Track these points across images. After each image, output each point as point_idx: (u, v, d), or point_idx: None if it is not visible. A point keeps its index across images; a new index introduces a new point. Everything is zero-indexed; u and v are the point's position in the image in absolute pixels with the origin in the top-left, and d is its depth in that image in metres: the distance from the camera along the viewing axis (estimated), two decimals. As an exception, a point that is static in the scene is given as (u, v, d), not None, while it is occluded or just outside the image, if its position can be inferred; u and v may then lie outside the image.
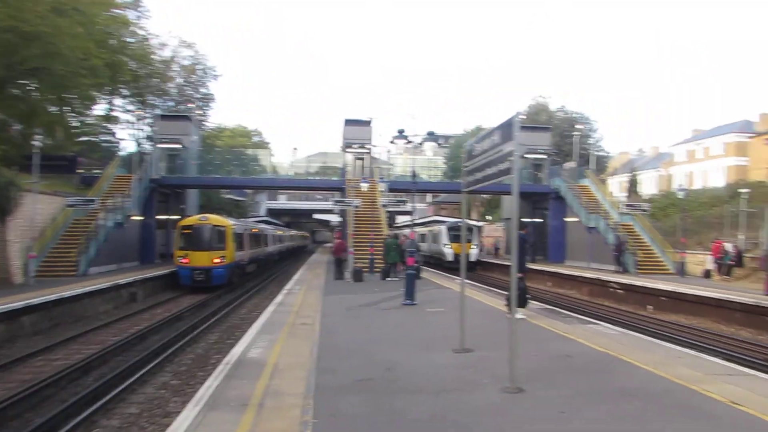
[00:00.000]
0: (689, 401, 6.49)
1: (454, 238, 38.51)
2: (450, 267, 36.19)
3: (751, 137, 57.32)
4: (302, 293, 18.22)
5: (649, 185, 69.85)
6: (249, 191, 66.82)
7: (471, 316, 12.05)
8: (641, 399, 6.52)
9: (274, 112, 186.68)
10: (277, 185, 48.98)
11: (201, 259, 24.57)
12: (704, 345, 13.92)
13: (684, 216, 28.46)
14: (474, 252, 39.06)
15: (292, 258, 58.51)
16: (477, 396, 6.65)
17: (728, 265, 24.56)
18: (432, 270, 30.85)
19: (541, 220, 39.79)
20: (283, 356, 8.75)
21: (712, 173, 61.88)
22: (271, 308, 14.60)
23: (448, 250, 39.27)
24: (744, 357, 12.54)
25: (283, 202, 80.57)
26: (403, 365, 8.19)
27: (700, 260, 26.98)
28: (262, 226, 42.42)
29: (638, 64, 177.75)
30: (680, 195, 29.94)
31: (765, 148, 52.45)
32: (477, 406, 6.21)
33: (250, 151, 44.52)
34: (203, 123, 47.05)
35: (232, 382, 7.19)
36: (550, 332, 11.18)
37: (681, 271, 26.00)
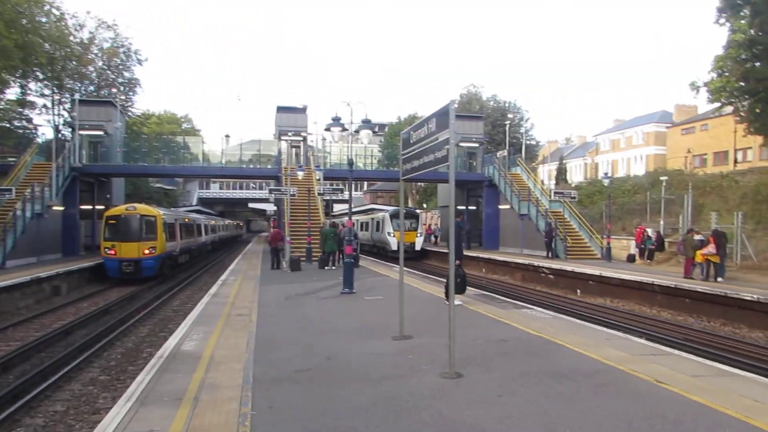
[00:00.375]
0: (618, 381, 6.78)
1: (398, 225, 36.69)
2: (394, 256, 34.89)
3: (668, 127, 60.58)
4: (238, 284, 17.82)
5: (576, 173, 72.75)
6: (179, 180, 64.66)
7: (410, 303, 12.16)
8: (573, 380, 6.76)
9: (205, 99, 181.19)
10: (208, 174, 47.57)
11: (129, 250, 23.57)
12: (629, 326, 14.62)
13: (609, 203, 29.75)
14: (419, 240, 38.00)
15: (226, 248, 57.22)
16: (416, 382, 6.69)
17: (650, 250, 25.89)
18: (374, 259, 30.93)
19: (475, 208, 40.62)
20: (219, 348, 8.52)
21: (634, 161, 65.08)
22: (205, 299, 14.21)
23: (392, 239, 37.19)
24: (666, 337, 13.26)
25: (215, 191, 78.53)
26: (343, 354, 8.14)
27: (625, 245, 28.33)
28: (194, 215, 41.15)
29: (565, 55, 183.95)
30: (605, 182, 31.22)
31: (681, 138, 55.63)
32: (416, 392, 6.25)
33: (179, 139, 42.70)
34: (128, 109, 44.92)
35: (165, 376, 6.93)
36: (487, 317, 11.41)
37: (607, 256, 27.22)
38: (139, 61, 45.47)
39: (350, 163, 16.79)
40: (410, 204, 62.88)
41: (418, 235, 37.60)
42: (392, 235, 36.91)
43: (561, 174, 58.80)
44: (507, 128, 47.13)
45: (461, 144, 39.45)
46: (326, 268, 22.55)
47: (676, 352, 8.84)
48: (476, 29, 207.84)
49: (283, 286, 16.93)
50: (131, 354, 12.17)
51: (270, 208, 68.20)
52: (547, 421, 5.36)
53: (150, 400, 6.00)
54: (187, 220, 33.59)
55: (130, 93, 46.30)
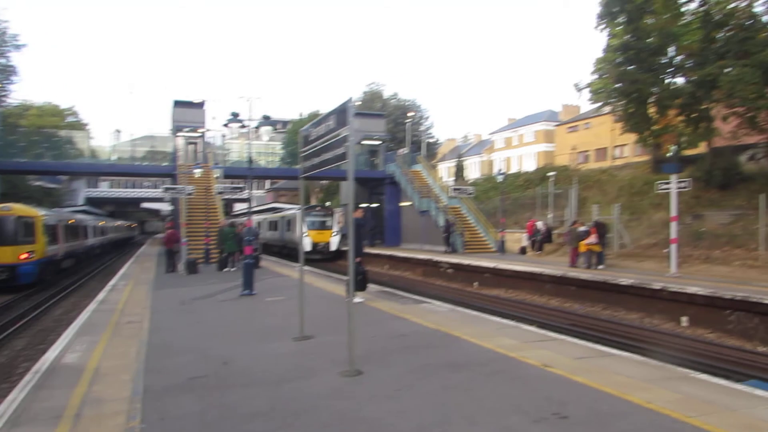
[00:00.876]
0: (509, 368, 7.11)
1: (313, 225, 35.21)
2: (309, 258, 32.46)
3: (556, 126, 64.40)
4: (129, 289, 16.86)
5: (473, 170, 75.47)
6: (63, 178, 60.09)
7: (311, 302, 12.07)
8: (469, 370, 7.01)
9: (93, 91, 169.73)
10: (96, 171, 44.46)
11: (3, 255, 21.57)
12: (522, 315, 15.40)
13: (503, 198, 31.17)
14: (335, 240, 35.72)
15: (117, 251, 53.95)
16: (316, 382, 6.65)
17: (540, 242, 27.42)
18: (282, 260, 30.33)
19: (377, 205, 41.10)
20: (106, 359, 8.00)
21: (526, 158, 68.57)
22: (92, 307, 13.29)
23: (306, 239, 34.47)
24: (554, 324, 14.09)
25: (105, 189, 73.79)
26: (241, 358, 7.93)
27: (517, 238, 29.80)
28: (81, 216, 38.40)
29: (462, 56, 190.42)
30: (499, 179, 32.72)
31: (567, 136, 59.29)
32: (316, 393, 6.22)
33: (63, 133, 39.72)
34: (3, 99, 41.09)
35: (42, 393, 6.41)
36: (387, 313, 11.57)
37: (501, 249, 28.52)
38: (17, 47, 41.64)
39: (250, 160, 16.41)
40: (313, 202, 62.46)
41: (334, 234, 35.41)
42: (306, 234, 34.32)
43: (459, 171, 60.86)
44: (408, 126, 48.05)
45: (363, 142, 39.75)
46: (225, 269, 21.87)
47: (562, 337, 9.40)
48: (378, 29, 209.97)
49: (179, 290, 16.23)
50: (4, 370, 11.15)
51: (165, 208, 65.09)
52: (444, 411, 5.52)
53: (23, 420, 5.53)
54: (71, 221, 31.29)
55: (6, 81, 42.31)
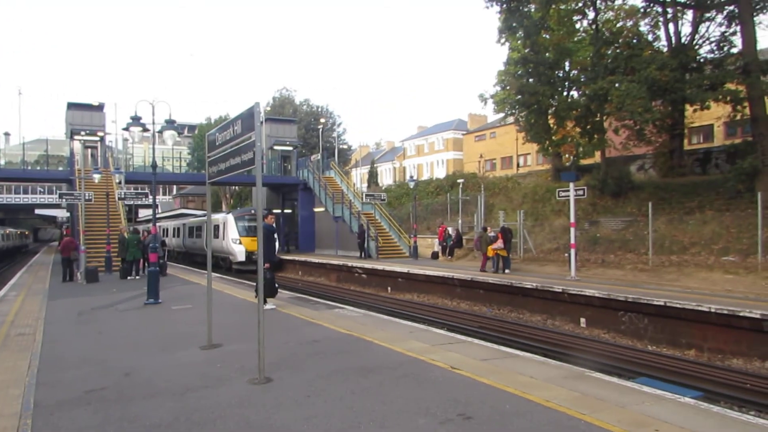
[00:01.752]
0: (418, 371, 7.25)
1: (248, 230, 30.17)
2: (241, 270, 28.93)
3: (464, 134, 66.61)
4: (20, 300, 15.65)
5: (387, 176, 76.51)
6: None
7: (221, 310, 11.79)
8: (379, 374, 7.09)
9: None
10: (-19, 176, 41.06)
11: None
12: (433, 319, 15.77)
13: (415, 204, 31.79)
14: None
15: (8, 260, 49.87)
16: (224, 391, 6.48)
17: (451, 247, 28.19)
18: (196, 270, 29.18)
19: (291, 211, 40.64)
20: (-9, 376, 7.39)
21: (436, 165, 70.38)
22: (-25, 322, 12.21)
23: (239, 248, 30.23)
24: (463, 326, 14.54)
25: (-8, 195, 67.99)
26: (144, 369, 7.59)
27: (430, 243, 30.48)
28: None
29: (374, 63, 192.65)
30: (411, 185, 33.36)
31: (475, 144, 61.47)
32: (224, 402, 6.06)
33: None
34: None
35: None
36: (299, 319, 11.47)
37: (414, 254, 29.05)
38: None
39: (154, 165, 15.70)
40: (224, 208, 60.78)
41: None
42: (238, 242, 29.81)
43: (372, 177, 61.42)
44: (320, 132, 47.97)
45: (275, 147, 39.28)
46: (129, 278, 20.84)
47: (470, 339, 9.72)
48: (291, 34, 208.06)
49: (77, 300, 15.27)
50: None
51: (62, 214, 61.00)
52: (353, 416, 5.55)
53: None
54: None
55: None
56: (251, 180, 30.59)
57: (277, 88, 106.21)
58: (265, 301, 12.25)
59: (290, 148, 39.96)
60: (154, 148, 15.08)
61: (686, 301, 12.61)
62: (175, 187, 75.68)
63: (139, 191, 26.90)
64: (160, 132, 13.61)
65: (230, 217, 31.26)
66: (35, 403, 6.08)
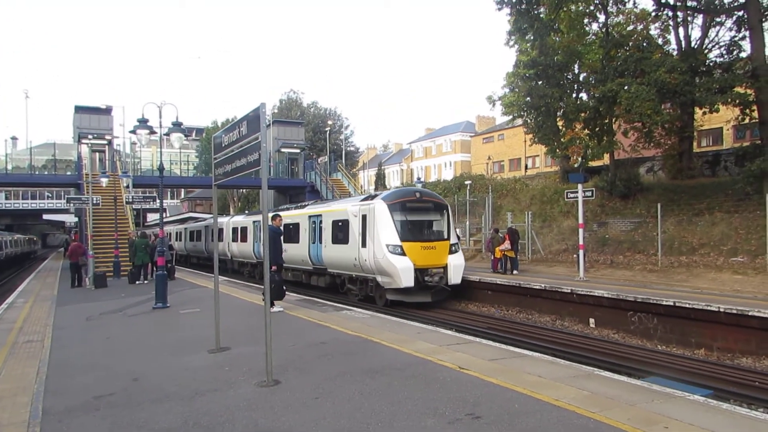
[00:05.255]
0: (426, 371, 7.24)
1: (411, 228, 17.20)
2: (401, 302, 16.97)
3: (472, 136, 66.56)
4: (28, 306, 15.75)
5: (394, 178, 76.53)
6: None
7: (229, 313, 11.82)
8: (387, 375, 7.08)
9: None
10: (-10, 182, 41.40)
11: None
12: (440, 320, 15.70)
13: (422, 206, 31.64)
14: (458, 262, 19.40)
15: (16, 267, 50.25)
16: (232, 394, 6.49)
17: (458, 249, 28.04)
18: (205, 273, 29.22)
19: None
20: (1, 382, 7.42)
21: (444, 167, 70.35)
22: (-16, 327, 12.30)
23: (401, 262, 17.29)
24: (471, 327, 14.47)
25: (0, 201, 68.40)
26: (152, 374, 7.61)
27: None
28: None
29: (382, 65, 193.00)
30: (419, 187, 33.33)
31: (483, 146, 61.41)
32: (232, 405, 6.06)
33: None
34: None
35: (-74, 422, 5.86)
36: (307, 322, 11.48)
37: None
38: None
39: (161, 168, 15.78)
40: (231, 211, 61.00)
41: (453, 249, 17.70)
42: (400, 251, 16.53)
43: (380, 179, 61.44)
44: (328, 134, 48.07)
45: (282, 150, 39.42)
46: (138, 282, 20.93)
47: (478, 339, 9.70)
48: (298, 37, 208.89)
49: (86, 305, 15.35)
50: None
51: (70, 219, 61.35)
52: (361, 417, 5.54)
53: None
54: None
55: None
56: (258, 183, 30.67)
57: (284, 90, 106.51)
58: (272, 304, 12.28)
59: (297, 151, 40.08)
60: (161, 151, 15.17)
61: (695, 302, 12.53)
62: (183, 190, 76.05)
63: (147, 195, 27.05)
64: (168, 135, 13.67)
65: (381, 205, 17.09)
66: (44, 411, 6.09)
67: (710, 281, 16.18)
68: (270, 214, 11.29)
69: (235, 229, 29.55)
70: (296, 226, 22.12)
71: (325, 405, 5.96)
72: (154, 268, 19.41)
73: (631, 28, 25.31)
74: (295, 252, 21.55)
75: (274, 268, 12.53)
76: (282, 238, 13.01)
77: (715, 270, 17.04)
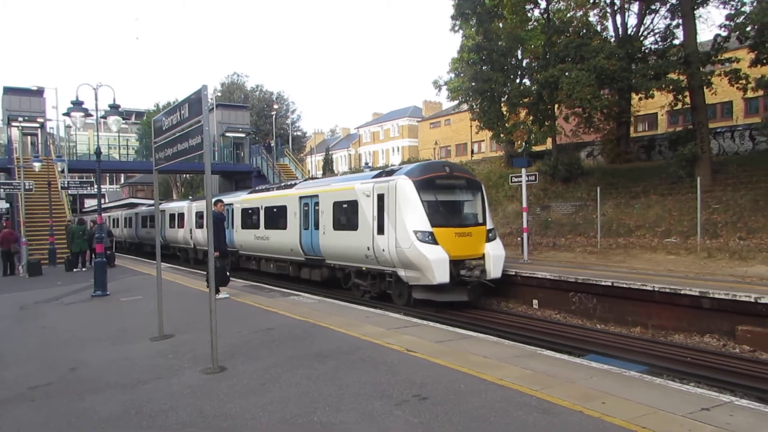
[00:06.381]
0: (374, 354, 7.28)
1: (444, 210, 14.64)
2: (434, 302, 14.26)
3: (419, 121, 66.88)
4: (-45, 296, 14.92)
5: (342, 163, 76.15)
6: None
7: (172, 301, 11.54)
8: (335, 359, 7.08)
9: None
10: None
11: None
12: (389, 304, 15.78)
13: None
14: (498, 252, 17.43)
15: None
16: (176, 382, 6.35)
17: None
18: (146, 260, 28.28)
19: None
20: (-75, 376, 7.02)
21: (392, 152, 70.50)
22: None
23: (434, 253, 13.76)
24: (418, 311, 14.60)
25: None
26: (92, 363, 7.36)
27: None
28: None
29: (328, 49, 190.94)
30: (367, 172, 33.28)
31: (430, 131, 61.80)
32: (176, 393, 5.94)
33: None
34: None
35: None
36: (254, 308, 11.34)
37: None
38: None
39: (98, 152, 15.12)
40: (174, 196, 59.36)
41: (490, 236, 14.85)
42: (430, 238, 13.50)
43: (328, 164, 61.11)
44: (274, 119, 47.28)
45: (227, 134, 38.55)
46: (75, 270, 20.14)
47: (425, 322, 9.82)
48: (241, 19, 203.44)
49: (19, 295, 14.67)
50: None
51: (1, 205, 58.27)
52: (308, 401, 5.53)
53: None
54: None
55: None
56: (201, 167, 29.88)
57: (227, 73, 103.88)
58: (218, 290, 12.07)
59: (243, 135, 39.29)
60: (98, 135, 14.57)
61: (632, 281, 13.06)
62: (123, 175, 73.36)
63: (84, 180, 25.94)
64: (104, 118, 13.13)
65: (405, 182, 13.98)
66: (-27, 403, 5.80)
67: (646, 262, 16.90)
68: (213, 200, 9.99)
69: (200, 214, 25.85)
70: (281, 209, 18.87)
71: (272, 390, 5.92)
72: (93, 255, 18.75)
73: (571, 14, 25.91)
74: (280, 240, 18.87)
75: (217, 254, 12.31)
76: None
77: (651, 251, 17.80)
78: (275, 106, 53.49)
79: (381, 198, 14.29)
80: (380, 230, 14.20)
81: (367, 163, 37.28)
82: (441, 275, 12.99)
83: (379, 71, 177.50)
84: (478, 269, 13.73)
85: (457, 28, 27.26)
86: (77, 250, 20.40)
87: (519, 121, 25.79)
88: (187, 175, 56.79)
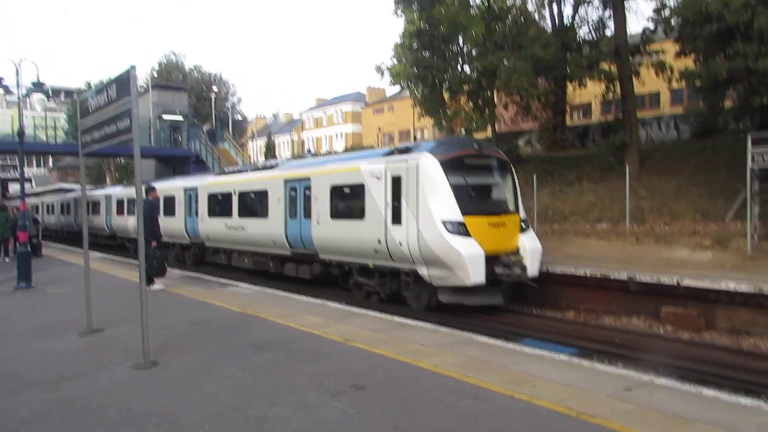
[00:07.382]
0: (312, 345, 7.25)
1: (474, 195, 12.30)
2: (462, 304, 12.05)
3: (363, 107, 66.70)
4: None
5: (285, 149, 75.15)
6: None
7: (103, 293, 11.09)
8: (272, 350, 7.00)
9: None
10: None
11: None
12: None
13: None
14: (535, 246, 16.16)
15: None
16: (105, 378, 6.12)
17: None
18: (75, 249, 26.96)
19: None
20: None
21: (335, 138, 70.05)
22: None
23: (467, 247, 11.31)
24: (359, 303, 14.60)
25: None
26: (12, 360, 7.00)
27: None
28: None
29: (272, 32, 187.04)
30: (309, 158, 32.99)
31: (373, 118, 61.79)
32: (104, 389, 5.72)
33: None
34: None
35: None
36: (190, 299, 11.06)
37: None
38: None
39: (21, 133, 14.26)
40: (108, 181, 57.00)
41: (524, 227, 12.81)
42: (463, 229, 11.17)
43: (270, 150, 60.11)
44: (213, 101, 46.00)
45: (164, 116, 37.22)
46: (-3, 260, 19.07)
47: (365, 311, 9.84)
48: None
49: (-67, 287, 13.76)
50: None
51: None
52: (243, 393, 5.45)
53: None
54: None
55: None
56: (129, 150, 28.68)
57: (164, 53, 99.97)
58: (152, 281, 11.71)
59: (180, 118, 37.99)
60: (21, 114, 13.72)
61: (565, 267, 13.52)
62: (51, 158, 69.74)
63: (6, 163, 24.47)
64: (27, 96, 12.38)
65: (429, 161, 11.63)
66: None
67: (579, 247, 17.50)
68: (144, 187, 9.14)
69: (125, 201, 24.44)
70: (261, 194, 16.27)
71: (206, 384, 5.79)
72: (17, 245, 17.78)
73: (510, 2, 26.25)
74: (259, 230, 16.19)
75: (154, 244, 11.92)
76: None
77: (584, 236, 18.44)
78: (215, 88, 51.96)
79: (397, 181, 11.83)
80: (396, 220, 11.82)
81: (309, 150, 36.90)
82: (476, 274, 10.78)
83: (323, 56, 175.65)
84: (518, 266, 11.62)
85: (399, 13, 27.15)
86: (-1, 239, 19.31)
87: (460, 108, 26.06)
88: (122, 159, 54.55)
